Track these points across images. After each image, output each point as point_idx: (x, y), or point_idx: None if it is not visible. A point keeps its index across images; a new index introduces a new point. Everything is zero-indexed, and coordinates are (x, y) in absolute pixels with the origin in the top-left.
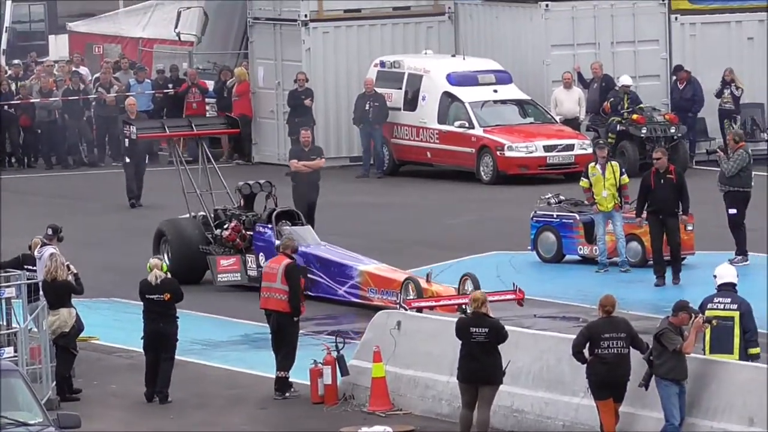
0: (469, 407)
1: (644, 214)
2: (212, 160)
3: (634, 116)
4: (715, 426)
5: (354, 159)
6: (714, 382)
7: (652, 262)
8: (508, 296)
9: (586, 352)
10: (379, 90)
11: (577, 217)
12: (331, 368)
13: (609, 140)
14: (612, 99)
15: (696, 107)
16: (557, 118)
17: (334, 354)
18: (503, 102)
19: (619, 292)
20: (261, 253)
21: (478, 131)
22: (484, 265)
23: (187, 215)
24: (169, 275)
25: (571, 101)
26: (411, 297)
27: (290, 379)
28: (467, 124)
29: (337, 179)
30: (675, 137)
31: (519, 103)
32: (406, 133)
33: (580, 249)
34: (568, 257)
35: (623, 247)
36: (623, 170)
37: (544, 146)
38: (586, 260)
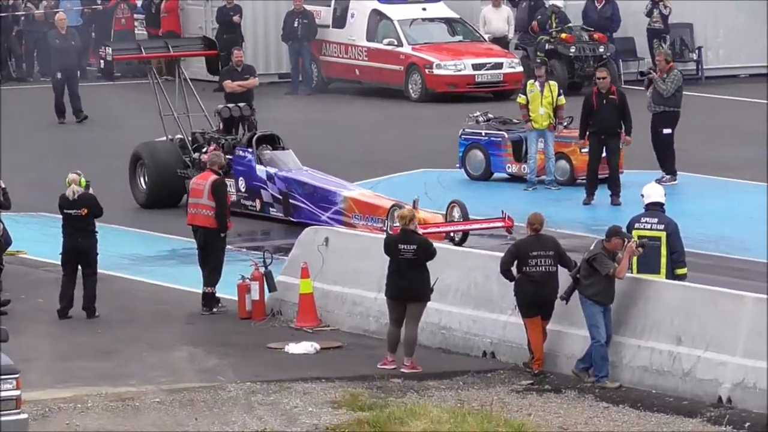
0: (397, 324)
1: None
2: (189, 81)
3: (563, 35)
4: (642, 344)
5: (282, 76)
6: (641, 301)
7: (585, 180)
8: (497, 224)
9: (514, 269)
10: (307, 7)
11: (506, 136)
12: (258, 284)
13: (537, 59)
14: (540, 18)
15: (614, 26)
16: (486, 37)
17: (262, 270)
18: (432, 20)
19: (547, 210)
20: (241, 178)
21: (406, 49)
22: (412, 183)
23: (164, 138)
24: (90, 190)
25: (500, 20)
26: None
27: (218, 295)
28: (396, 42)
29: (265, 96)
30: (604, 56)
31: (448, 21)
32: (334, 50)
33: (509, 167)
34: (496, 175)
35: (553, 166)
36: (561, 91)
37: (472, 64)
38: (514, 178)
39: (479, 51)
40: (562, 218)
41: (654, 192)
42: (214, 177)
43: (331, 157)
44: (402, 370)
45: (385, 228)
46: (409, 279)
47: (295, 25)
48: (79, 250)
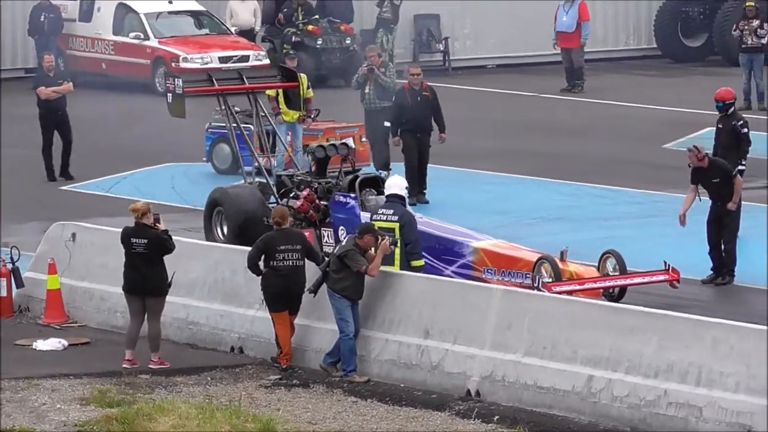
0: (136, 318)
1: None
2: (269, 118)
3: (310, 27)
4: (390, 338)
5: (29, 70)
6: (390, 294)
7: (408, 179)
8: (660, 277)
9: (261, 264)
10: (54, 1)
11: (253, 129)
12: (6, 280)
13: (284, 51)
14: (286, 10)
15: (349, 16)
16: (232, 30)
17: (9, 266)
18: (178, 13)
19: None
20: (342, 227)
21: (153, 42)
22: (159, 177)
23: (242, 182)
24: None
25: (247, 12)
26: (548, 280)
27: None
28: (142, 36)
29: (12, 91)
30: (351, 48)
31: (194, 14)
32: (81, 44)
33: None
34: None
35: (301, 159)
36: (309, 83)
37: (219, 57)
38: (261, 172)
39: (226, 44)
40: None
41: (395, 184)
42: None
43: (77, 151)
44: (150, 365)
45: (536, 285)
46: (142, 273)
47: (42, 19)
48: None
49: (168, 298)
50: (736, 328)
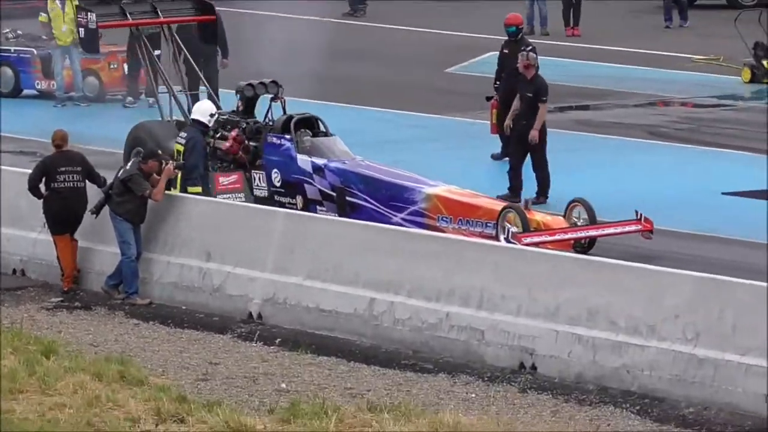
0: None
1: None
2: (187, 53)
3: None
4: (172, 260)
5: None
6: (172, 217)
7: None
8: (632, 227)
9: (42, 187)
10: None
11: (35, 52)
12: None
13: None
14: None
15: None
16: None
17: None
18: None
19: (76, 126)
20: (275, 169)
21: None
22: None
23: (160, 119)
24: None
25: None
26: (516, 230)
27: None
28: None
29: None
30: None
31: None
32: None
33: (38, 84)
34: (25, 92)
35: (80, 82)
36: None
37: None
38: (44, 95)
39: None
40: (92, 134)
41: (198, 110)
42: None
43: None
44: None
45: (505, 236)
46: None
47: None
48: None
49: None
50: (519, 252)
